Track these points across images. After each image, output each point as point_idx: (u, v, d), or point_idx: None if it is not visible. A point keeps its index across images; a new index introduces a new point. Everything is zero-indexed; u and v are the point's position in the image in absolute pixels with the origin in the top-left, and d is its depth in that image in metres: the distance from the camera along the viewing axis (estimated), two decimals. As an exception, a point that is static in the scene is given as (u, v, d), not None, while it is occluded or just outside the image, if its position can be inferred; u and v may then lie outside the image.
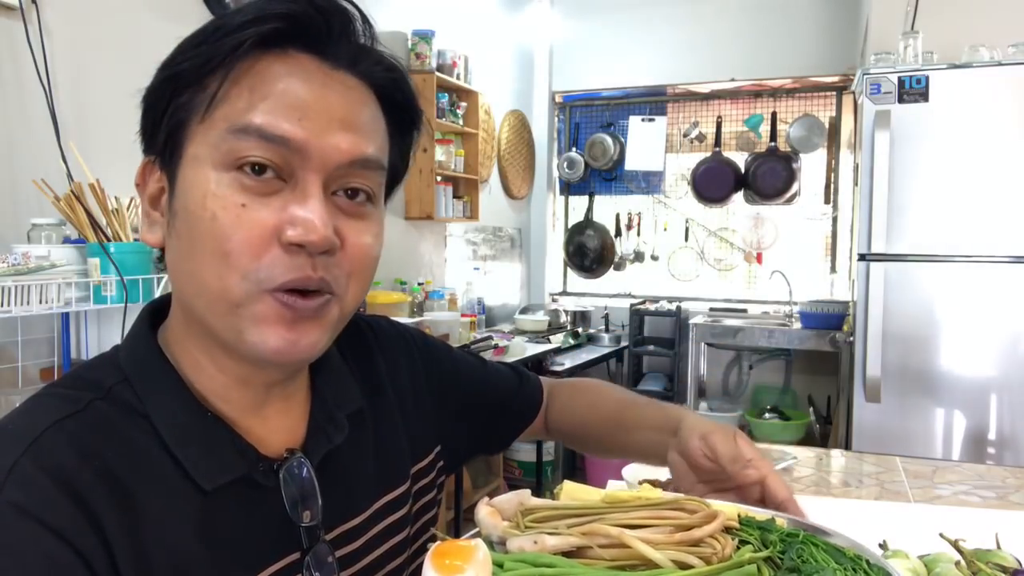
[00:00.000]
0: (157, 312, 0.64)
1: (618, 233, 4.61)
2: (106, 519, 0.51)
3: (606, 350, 4.22)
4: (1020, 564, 0.87)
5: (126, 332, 0.64)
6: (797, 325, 3.74)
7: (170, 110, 0.56)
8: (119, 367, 0.59)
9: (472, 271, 4.11)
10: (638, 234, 4.57)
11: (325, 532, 0.64)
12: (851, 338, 2.97)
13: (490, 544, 0.54)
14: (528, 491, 0.60)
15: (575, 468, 4.18)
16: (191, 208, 0.54)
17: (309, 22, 0.56)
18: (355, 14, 0.59)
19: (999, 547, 0.91)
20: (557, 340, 3.95)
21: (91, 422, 0.55)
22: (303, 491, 0.62)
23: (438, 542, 0.50)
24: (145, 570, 0.52)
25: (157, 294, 1.68)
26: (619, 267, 4.61)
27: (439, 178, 3.46)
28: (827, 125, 4.10)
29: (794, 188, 4.13)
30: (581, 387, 0.98)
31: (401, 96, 0.63)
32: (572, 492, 0.64)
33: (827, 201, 4.17)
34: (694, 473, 0.75)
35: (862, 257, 2.69)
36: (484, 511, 0.57)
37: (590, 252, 4.65)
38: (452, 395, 0.84)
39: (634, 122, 4.46)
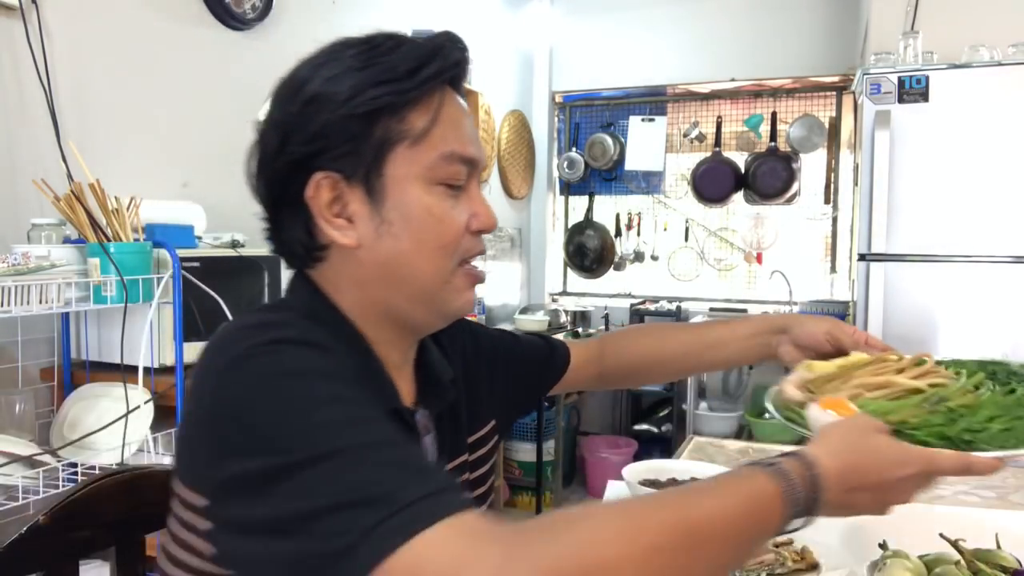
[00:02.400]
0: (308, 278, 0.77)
1: (618, 233, 4.61)
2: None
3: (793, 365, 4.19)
4: (1020, 564, 0.87)
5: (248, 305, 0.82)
6: (797, 325, 3.74)
7: (371, 135, 0.70)
8: (301, 312, 0.73)
9: (472, 271, 4.10)
10: (638, 234, 4.57)
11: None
12: (851, 338, 2.96)
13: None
14: (805, 365, 0.88)
15: (575, 468, 4.19)
16: (414, 216, 0.71)
17: (462, 67, 0.75)
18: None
19: (999, 547, 0.91)
20: (557, 340, 3.95)
21: (307, 328, 0.68)
22: (425, 438, 0.79)
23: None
24: None
25: (157, 294, 1.68)
26: (619, 267, 4.61)
27: (439, 178, 3.46)
28: (827, 125, 4.10)
29: (794, 188, 4.13)
30: (638, 329, 1.22)
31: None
32: (816, 367, 0.88)
33: (827, 201, 4.17)
34: (807, 354, 0.96)
35: (862, 257, 2.69)
36: (788, 389, 0.84)
37: (590, 252, 4.65)
38: (499, 365, 0.99)
39: (634, 122, 4.46)
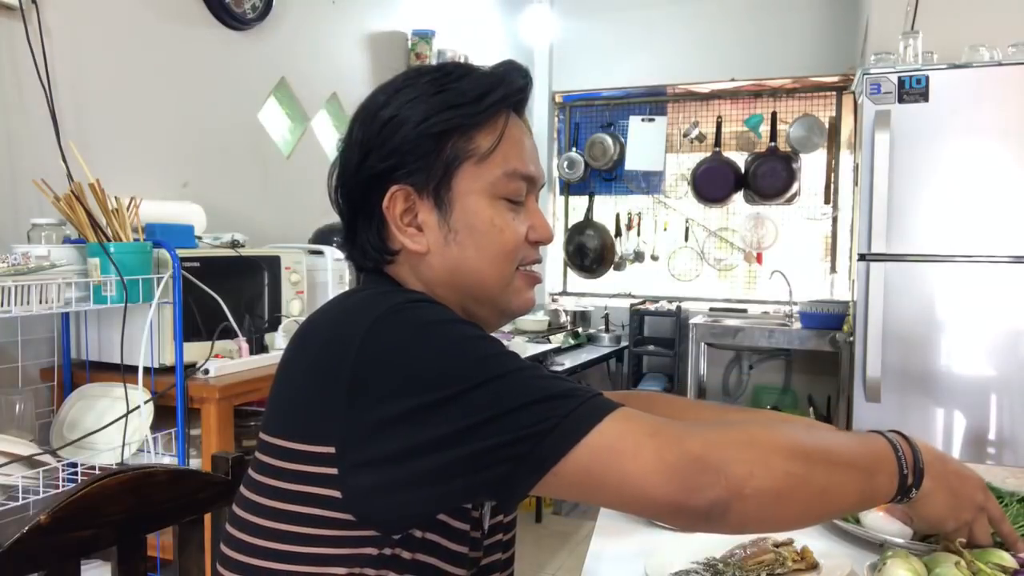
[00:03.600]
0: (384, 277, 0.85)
1: (618, 233, 4.61)
2: None
3: (606, 350, 4.21)
4: (1020, 564, 0.87)
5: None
6: (797, 325, 3.74)
7: (441, 153, 0.78)
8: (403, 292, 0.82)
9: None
10: (638, 234, 4.57)
11: None
12: (851, 338, 2.97)
13: None
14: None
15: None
16: (477, 226, 0.80)
17: (525, 93, 0.84)
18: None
19: (999, 547, 0.91)
20: (557, 340, 3.95)
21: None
22: None
23: None
24: None
25: (157, 294, 1.68)
26: (619, 267, 4.61)
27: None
28: (827, 125, 4.10)
29: (794, 188, 4.13)
30: (658, 399, 1.06)
31: None
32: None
33: (827, 201, 4.17)
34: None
35: (862, 257, 2.69)
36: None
37: (590, 252, 4.65)
38: None
39: (634, 122, 4.46)
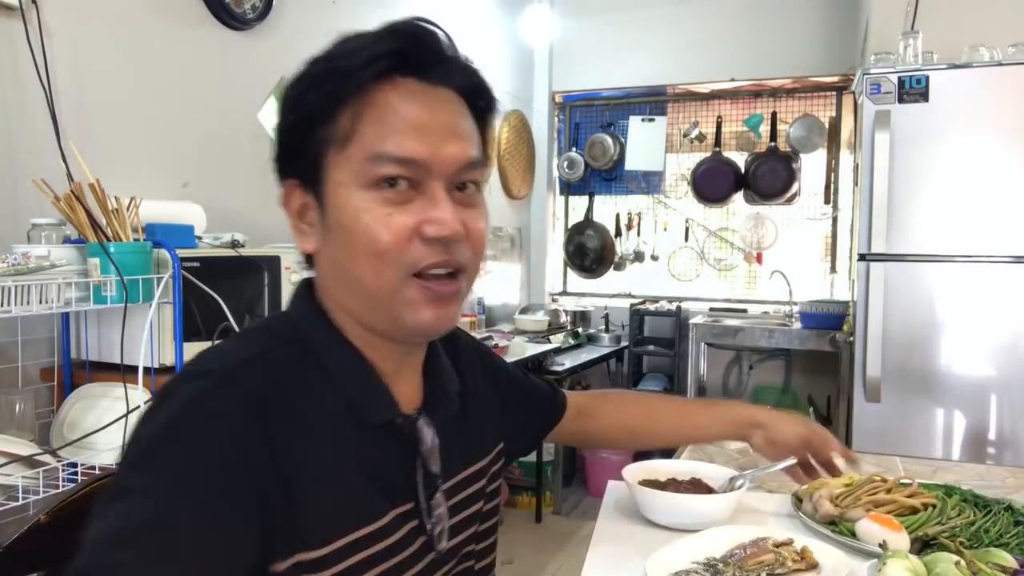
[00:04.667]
0: (312, 284, 0.77)
1: (618, 233, 4.61)
2: (280, 437, 0.64)
3: (606, 350, 4.21)
4: (1020, 564, 0.87)
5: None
6: (797, 325, 3.74)
7: (308, 143, 0.69)
8: (294, 324, 0.73)
9: (472, 271, 4.10)
10: (638, 234, 4.57)
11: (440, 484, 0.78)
12: (851, 338, 2.97)
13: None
14: (820, 482, 1.15)
15: (575, 468, 4.18)
16: (346, 223, 0.68)
17: (411, 53, 0.69)
18: (440, 35, 0.72)
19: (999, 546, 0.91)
20: (557, 340, 3.95)
21: (277, 361, 0.68)
22: (429, 443, 0.76)
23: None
24: (316, 485, 0.65)
25: (157, 294, 1.68)
26: (619, 267, 4.61)
27: (439, 178, 3.45)
28: (827, 125, 4.10)
29: (794, 188, 4.13)
30: (626, 397, 1.28)
31: (483, 97, 0.76)
32: (831, 484, 1.14)
33: (827, 201, 4.17)
34: (778, 450, 1.13)
35: (862, 257, 2.69)
36: (825, 504, 1.08)
37: (590, 252, 4.65)
38: (509, 399, 0.99)
39: (634, 122, 4.46)
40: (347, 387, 0.71)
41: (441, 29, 0.72)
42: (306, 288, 0.77)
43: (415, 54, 0.69)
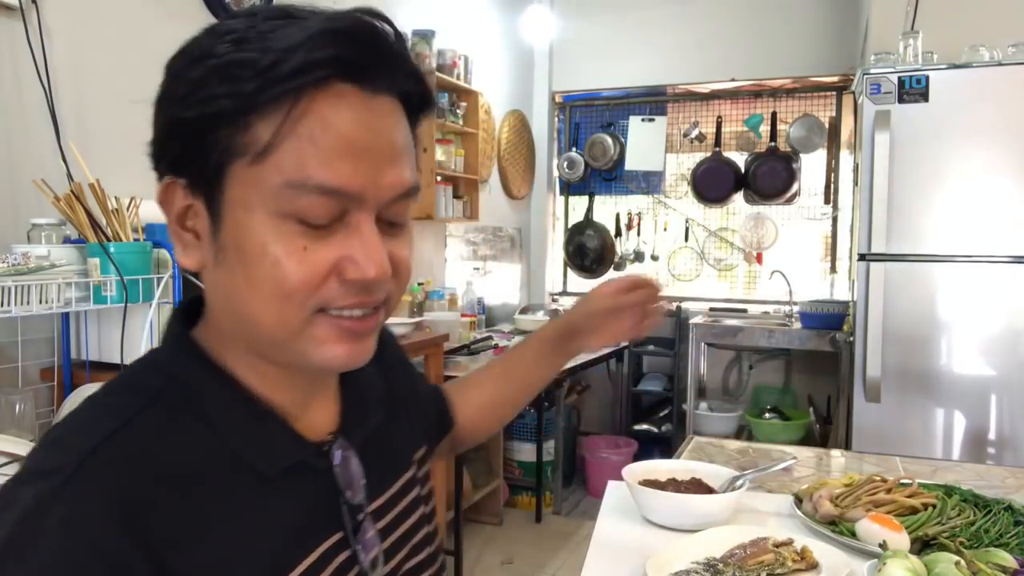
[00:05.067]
0: (189, 311, 0.65)
1: (618, 233, 4.61)
2: (159, 530, 0.52)
3: (606, 350, 4.21)
4: (1020, 564, 0.87)
5: (143, 333, 0.68)
6: (797, 325, 3.74)
7: (207, 145, 0.55)
8: (162, 370, 0.61)
9: (472, 271, 4.11)
10: (638, 234, 4.57)
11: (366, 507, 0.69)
12: (851, 338, 2.97)
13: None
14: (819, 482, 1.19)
15: (575, 468, 4.18)
16: (248, 251, 0.55)
17: (356, 58, 0.55)
18: (391, 34, 0.58)
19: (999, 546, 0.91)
20: (557, 340, 3.94)
21: (140, 434, 0.56)
22: (348, 470, 0.66)
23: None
24: (211, 566, 0.54)
25: (157, 294, 1.68)
26: (619, 267, 4.61)
27: (439, 178, 3.46)
28: (827, 125, 4.10)
29: (794, 188, 4.13)
30: (464, 383, 1.06)
31: (424, 101, 0.63)
32: (830, 483, 1.16)
33: (827, 201, 4.17)
34: (604, 322, 1.01)
35: (862, 257, 2.69)
36: (825, 504, 1.09)
37: (590, 252, 4.65)
38: (418, 400, 0.89)
39: (634, 122, 4.46)
40: (231, 439, 0.59)
41: (389, 23, 0.58)
42: (180, 322, 0.64)
43: (360, 59, 0.55)
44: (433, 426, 0.92)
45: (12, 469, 1.47)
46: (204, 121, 0.54)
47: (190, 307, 0.65)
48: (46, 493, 0.51)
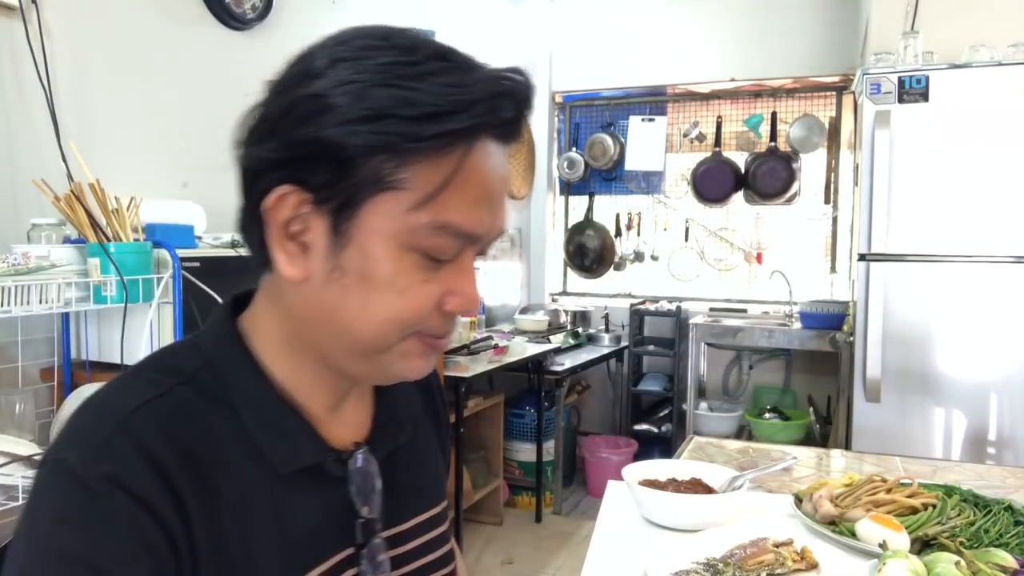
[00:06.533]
0: (239, 301, 0.68)
1: (618, 233, 4.61)
2: (187, 498, 0.56)
3: (606, 350, 4.21)
4: (1020, 564, 0.87)
5: (193, 327, 0.69)
6: (797, 325, 3.74)
7: (357, 171, 0.56)
8: (201, 353, 0.63)
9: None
10: (638, 234, 4.57)
11: (381, 529, 0.68)
12: (851, 338, 2.97)
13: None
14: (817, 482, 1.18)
15: (575, 468, 4.18)
16: (373, 277, 0.58)
17: (514, 120, 0.59)
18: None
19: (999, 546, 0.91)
20: (557, 340, 3.95)
21: (173, 407, 0.59)
22: (366, 484, 0.67)
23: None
24: (219, 548, 0.57)
25: (157, 294, 1.68)
26: (619, 267, 4.61)
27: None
28: (827, 125, 4.10)
29: (794, 188, 4.13)
30: None
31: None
32: (830, 483, 1.16)
33: (827, 201, 4.17)
34: None
35: (862, 257, 2.69)
36: (826, 505, 1.08)
37: (590, 252, 4.65)
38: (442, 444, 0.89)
39: (634, 122, 4.46)
40: (254, 431, 0.61)
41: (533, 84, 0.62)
42: (227, 311, 0.67)
43: (516, 121, 0.60)
44: None
45: (12, 469, 1.47)
46: (364, 149, 0.56)
47: (241, 296, 0.68)
48: (89, 452, 0.55)
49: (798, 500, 1.15)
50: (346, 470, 0.66)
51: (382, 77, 0.56)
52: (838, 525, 1.05)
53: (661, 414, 4.24)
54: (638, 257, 4.55)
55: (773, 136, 4.17)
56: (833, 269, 4.16)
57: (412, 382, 0.72)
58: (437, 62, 0.57)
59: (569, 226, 4.76)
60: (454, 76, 0.56)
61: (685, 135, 4.39)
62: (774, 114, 4.19)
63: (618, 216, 4.61)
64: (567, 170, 4.64)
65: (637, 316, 4.24)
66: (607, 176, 4.64)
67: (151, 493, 0.54)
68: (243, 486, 0.60)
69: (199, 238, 1.98)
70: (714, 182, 4.25)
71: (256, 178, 0.59)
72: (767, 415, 3.72)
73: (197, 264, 1.79)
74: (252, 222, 0.61)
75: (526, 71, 0.60)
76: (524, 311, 4.34)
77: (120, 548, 0.53)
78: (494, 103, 0.57)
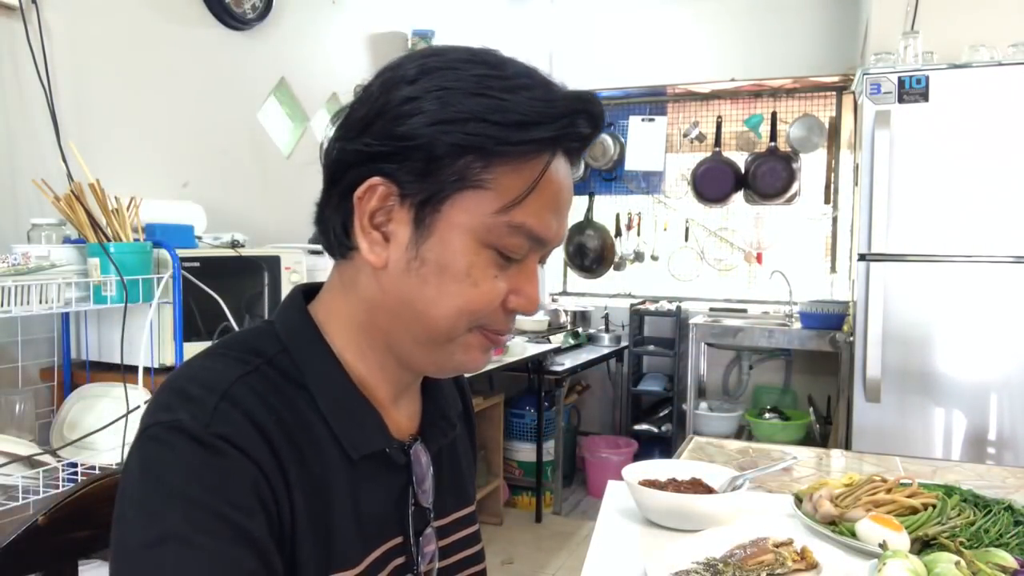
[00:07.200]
0: (308, 292, 0.73)
1: (618, 233, 4.60)
2: (288, 466, 0.61)
3: (606, 350, 4.21)
4: (1020, 564, 0.87)
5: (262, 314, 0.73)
6: (797, 325, 3.74)
7: (447, 168, 0.62)
8: (278, 338, 0.68)
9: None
10: (638, 234, 4.57)
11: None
12: (851, 338, 2.97)
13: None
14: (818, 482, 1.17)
15: (575, 468, 4.18)
16: (451, 268, 0.64)
17: (588, 138, 0.66)
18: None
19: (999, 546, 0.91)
20: (557, 340, 3.95)
21: (267, 382, 0.63)
22: (422, 475, 0.72)
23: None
24: (312, 520, 0.62)
25: (157, 294, 1.68)
26: (619, 267, 4.61)
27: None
28: (827, 125, 4.10)
29: (794, 188, 4.13)
30: None
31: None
32: (830, 483, 1.16)
33: (827, 201, 4.17)
34: None
35: (862, 257, 2.69)
36: (826, 505, 1.08)
37: (590, 252, 4.65)
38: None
39: (634, 122, 4.46)
40: (329, 415, 0.65)
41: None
42: (300, 299, 0.71)
43: (586, 144, 0.67)
44: None
45: (12, 469, 1.47)
46: (454, 148, 0.61)
47: (309, 288, 0.73)
48: (202, 415, 0.58)
49: (798, 500, 1.14)
50: (407, 458, 0.70)
51: (474, 87, 0.62)
52: (838, 525, 1.05)
53: (661, 414, 4.24)
54: (638, 257, 4.55)
55: (773, 136, 4.17)
56: (833, 269, 4.16)
57: (451, 384, 0.80)
58: (524, 78, 0.63)
59: (569, 226, 4.76)
60: (540, 91, 0.63)
61: (685, 135, 4.39)
62: (774, 114, 4.19)
63: (618, 216, 4.61)
64: (567, 170, 4.64)
65: (637, 316, 4.24)
66: (607, 176, 4.64)
67: (262, 456, 0.59)
68: (325, 465, 0.64)
69: (199, 238, 1.98)
70: (714, 182, 4.25)
71: (347, 169, 0.65)
72: (767, 415, 3.72)
73: (197, 264, 1.79)
74: (334, 210, 0.67)
75: (594, 94, 0.66)
76: (524, 311, 4.33)
77: (240, 500, 0.57)
78: (574, 119, 0.63)
